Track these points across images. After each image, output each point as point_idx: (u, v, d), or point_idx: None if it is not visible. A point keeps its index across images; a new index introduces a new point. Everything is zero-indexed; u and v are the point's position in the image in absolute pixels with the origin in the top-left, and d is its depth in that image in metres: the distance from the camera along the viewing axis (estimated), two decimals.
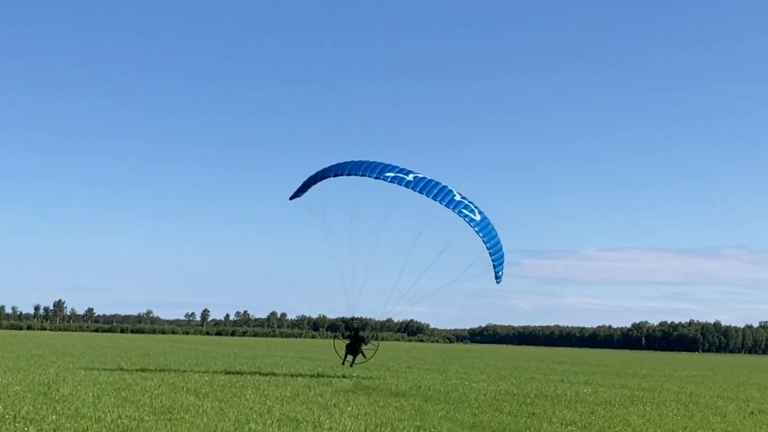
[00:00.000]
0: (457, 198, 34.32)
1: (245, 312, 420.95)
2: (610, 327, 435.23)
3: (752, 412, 34.52)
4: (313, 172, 36.83)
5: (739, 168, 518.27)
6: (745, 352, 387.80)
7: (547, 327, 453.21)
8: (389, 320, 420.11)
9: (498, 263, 35.87)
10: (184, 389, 33.66)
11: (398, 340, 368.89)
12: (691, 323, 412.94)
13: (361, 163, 35.17)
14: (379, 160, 35.40)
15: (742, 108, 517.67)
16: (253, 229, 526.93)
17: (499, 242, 35.88)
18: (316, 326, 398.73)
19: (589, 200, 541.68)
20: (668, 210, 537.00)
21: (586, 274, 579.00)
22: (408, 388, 40.34)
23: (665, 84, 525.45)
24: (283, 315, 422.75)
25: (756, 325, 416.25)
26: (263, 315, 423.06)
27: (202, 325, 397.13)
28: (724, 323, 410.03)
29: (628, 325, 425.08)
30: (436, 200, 33.71)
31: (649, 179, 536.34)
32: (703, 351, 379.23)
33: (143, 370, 46.08)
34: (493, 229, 35.38)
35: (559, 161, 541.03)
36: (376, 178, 34.27)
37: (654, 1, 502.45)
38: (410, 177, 34.38)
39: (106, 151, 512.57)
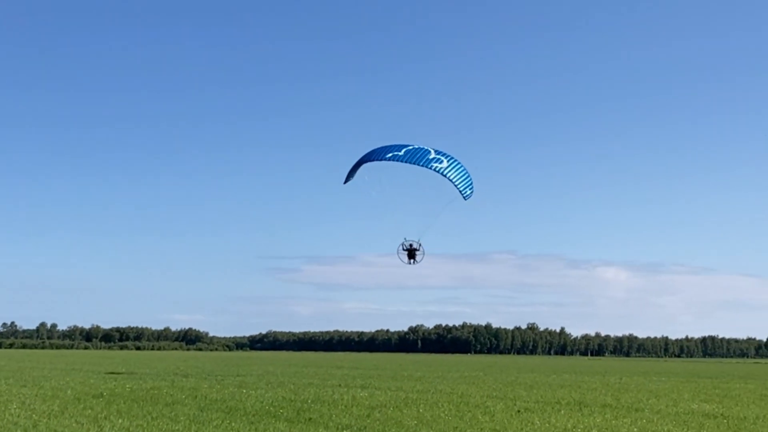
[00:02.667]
0: (432, 156, 40.48)
1: (12, 323, 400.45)
2: (387, 331, 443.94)
3: (519, 411, 35.94)
4: None
5: (506, 176, 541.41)
6: (514, 353, 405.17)
7: (327, 332, 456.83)
8: (167, 329, 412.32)
9: (465, 184, 41.25)
10: None
11: (176, 349, 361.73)
12: (464, 326, 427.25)
13: (380, 149, 41.54)
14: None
15: (502, 119, 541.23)
16: (21, 235, 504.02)
17: (465, 172, 41.47)
18: (89, 337, 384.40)
19: (365, 206, 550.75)
20: (440, 216, 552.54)
21: (364, 280, 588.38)
22: (184, 397, 39.58)
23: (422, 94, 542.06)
24: (54, 326, 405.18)
25: (524, 326, 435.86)
26: (32, 326, 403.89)
27: None
28: (494, 325, 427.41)
29: (405, 329, 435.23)
30: (418, 164, 40.41)
31: None
32: (476, 352, 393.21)
33: None
34: (457, 164, 41.34)
35: (335, 168, 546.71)
36: (380, 160, 40.88)
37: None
38: (402, 152, 40.52)
39: None
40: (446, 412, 34.09)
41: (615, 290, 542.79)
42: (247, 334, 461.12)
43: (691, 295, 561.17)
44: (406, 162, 40.26)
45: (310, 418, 30.61)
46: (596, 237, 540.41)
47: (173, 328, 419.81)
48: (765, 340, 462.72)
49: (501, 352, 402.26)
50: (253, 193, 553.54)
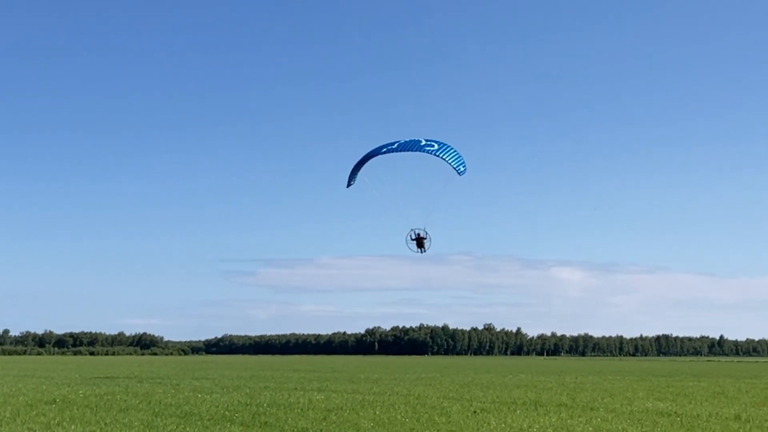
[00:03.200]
0: (423, 143, 42.12)
1: None
2: (344, 333, 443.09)
3: (475, 411, 36.01)
4: None
5: (463, 178, 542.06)
6: (471, 354, 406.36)
7: (284, 335, 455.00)
8: (121, 334, 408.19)
9: (458, 160, 42.65)
10: None
11: (130, 354, 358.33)
12: (421, 327, 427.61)
13: (376, 149, 43.07)
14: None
15: (457, 121, 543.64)
16: None
17: (450, 150, 42.76)
18: (42, 342, 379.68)
19: (324, 208, 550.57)
20: (398, 218, 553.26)
21: (321, 282, 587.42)
22: (138, 402, 39.20)
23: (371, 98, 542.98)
24: (6, 331, 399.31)
25: (481, 327, 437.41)
26: None
27: None
28: (451, 326, 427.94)
29: (362, 331, 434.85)
30: (412, 151, 42.10)
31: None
32: (433, 354, 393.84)
33: None
34: (444, 146, 42.68)
35: (290, 170, 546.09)
36: (377, 155, 42.46)
37: None
38: (395, 145, 42.14)
39: None
40: (402, 414, 34.06)
41: (571, 290, 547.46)
42: (203, 338, 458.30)
43: (646, 294, 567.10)
44: (401, 151, 41.90)
45: (266, 422, 30.42)
46: (552, 237, 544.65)
47: (127, 333, 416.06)
48: (718, 338, 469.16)
49: (458, 353, 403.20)
50: (209, 195, 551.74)
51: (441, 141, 42.94)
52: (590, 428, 29.64)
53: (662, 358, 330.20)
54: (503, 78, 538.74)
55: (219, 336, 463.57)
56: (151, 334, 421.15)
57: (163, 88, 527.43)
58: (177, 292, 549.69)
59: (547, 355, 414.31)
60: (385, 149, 42.51)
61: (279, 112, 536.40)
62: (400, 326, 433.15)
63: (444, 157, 42.11)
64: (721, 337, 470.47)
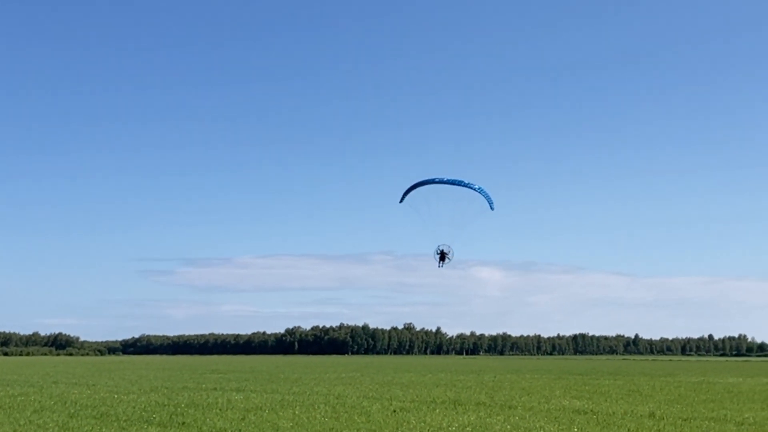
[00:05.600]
0: (466, 181, 52.96)
1: None
2: (264, 333, 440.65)
3: (395, 410, 36.11)
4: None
5: (383, 177, 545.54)
6: (391, 353, 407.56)
7: (203, 335, 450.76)
8: (35, 334, 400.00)
9: (490, 200, 53.42)
10: None
11: (45, 354, 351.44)
12: (341, 327, 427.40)
13: (429, 179, 53.19)
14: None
15: (376, 123, 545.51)
16: None
17: (486, 192, 53.60)
18: None
19: (244, 207, 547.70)
20: (320, 217, 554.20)
21: (241, 282, 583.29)
22: (53, 403, 38.48)
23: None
24: None
25: (401, 326, 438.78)
26: None
27: None
28: (371, 326, 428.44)
29: (282, 331, 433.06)
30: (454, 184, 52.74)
31: (303, 187, 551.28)
32: (353, 353, 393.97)
33: None
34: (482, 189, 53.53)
35: (209, 167, 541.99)
36: (435, 183, 52.54)
37: None
38: (445, 179, 52.33)
39: None
40: (322, 414, 34.01)
41: (490, 289, 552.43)
42: (120, 339, 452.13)
43: (563, 293, 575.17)
44: (448, 184, 52.32)
45: (183, 423, 30.10)
46: (472, 236, 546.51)
47: (42, 333, 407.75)
48: (633, 337, 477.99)
49: (378, 353, 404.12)
50: (126, 192, 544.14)
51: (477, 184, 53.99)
52: (508, 426, 29.93)
53: (579, 357, 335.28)
54: (426, 77, 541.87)
55: (136, 336, 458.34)
56: (67, 334, 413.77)
57: (75, 81, 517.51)
58: (93, 292, 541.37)
59: (467, 354, 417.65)
60: (438, 180, 52.76)
61: (197, 109, 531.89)
62: (320, 326, 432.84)
63: (483, 194, 53.01)
64: (636, 336, 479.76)
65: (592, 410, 36.87)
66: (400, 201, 55.44)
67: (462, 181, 53.36)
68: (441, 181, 52.51)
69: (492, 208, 54.33)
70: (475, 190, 52.98)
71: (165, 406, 37.83)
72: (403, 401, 42.35)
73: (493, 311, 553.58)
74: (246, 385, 59.68)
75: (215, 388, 54.08)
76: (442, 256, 53.07)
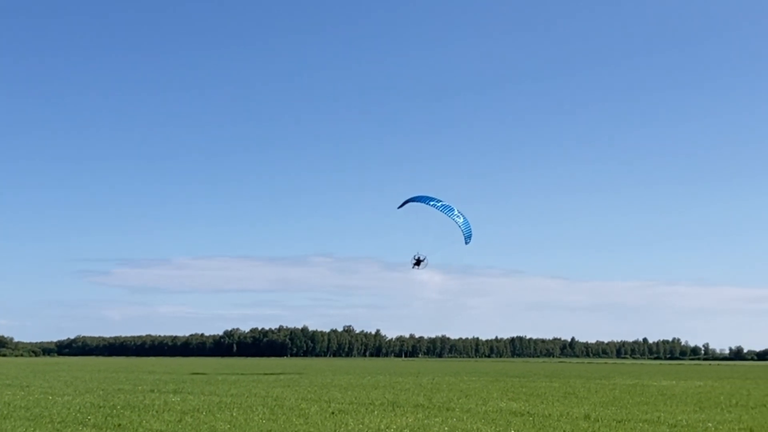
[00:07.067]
0: (455, 212, 62.05)
1: None
2: (202, 335, 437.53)
3: (333, 412, 36.10)
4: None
5: (324, 179, 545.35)
6: (330, 355, 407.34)
7: (140, 337, 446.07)
8: None
9: (468, 234, 62.12)
10: None
11: None
12: (280, 329, 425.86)
13: (423, 197, 62.38)
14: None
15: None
16: None
17: (469, 227, 62.65)
18: None
19: (181, 208, 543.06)
20: (258, 219, 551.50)
21: (178, 283, 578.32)
22: None
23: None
24: None
25: (340, 329, 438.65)
26: None
27: None
28: (311, 328, 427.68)
29: (221, 333, 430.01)
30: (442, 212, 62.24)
31: (242, 188, 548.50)
32: (292, 355, 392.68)
33: None
34: (467, 222, 62.88)
35: (147, 167, 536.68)
36: (425, 204, 61.75)
37: None
38: (439, 204, 61.51)
39: None
40: (260, 416, 33.88)
41: (429, 292, 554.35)
42: (55, 339, 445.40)
43: (501, 297, 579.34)
44: (440, 210, 60.21)
45: (119, 425, 29.81)
46: (412, 240, 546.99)
47: None
48: (570, 340, 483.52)
49: (317, 355, 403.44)
50: (61, 192, 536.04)
51: (464, 215, 62.23)
52: (446, 428, 30.09)
53: (516, 360, 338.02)
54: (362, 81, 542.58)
55: (72, 337, 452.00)
56: (1, 334, 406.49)
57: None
58: (28, 292, 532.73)
59: (406, 356, 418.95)
60: (432, 202, 60.44)
61: (129, 110, 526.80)
62: (259, 328, 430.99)
63: (463, 229, 60.71)
64: (573, 339, 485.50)
65: (528, 412, 37.20)
66: (399, 207, 63.43)
67: (452, 210, 60.48)
68: (434, 206, 60.08)
69: (466, 243, 61.61)
70: (459, 225, 60.26)
71: (100, 407, 37.41)
72: (342, 403, 42.34)
73: (432, 314, 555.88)
74: (183, 387, 59.19)
75: (152, 390, 53.58)
76: (418, 261, 60.74)
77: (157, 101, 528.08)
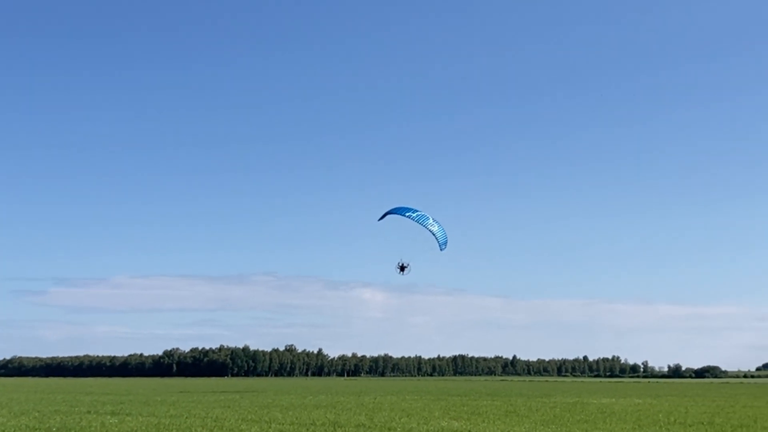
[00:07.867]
0: (430, 221, 63.65)
1: None
2: (141, 355, 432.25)
3: None
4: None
5: (267, 198, 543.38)
6: (272, 375, 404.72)
7: (77, 357, 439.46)
8: None
9: (443, 242, 64.06)
10: None
11: None
12: (221, 348, 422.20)
13: (401, 208, 63.87)
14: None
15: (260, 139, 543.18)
16: None
17: (444, 234, 64.42)
18: None
19: (119, 225, 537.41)
20: (198, 237, 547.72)
21: (116, 303, 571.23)
22: None
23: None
24: None
25: (282, 348, 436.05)
26: None
27: None
28: (252, 347, 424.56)
29: (160, 353, 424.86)
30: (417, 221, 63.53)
31: (180, 205, 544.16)
32: (233, 375, 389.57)
33: None
34: (442, 230, 64.64)
35: (83, 182, 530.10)
36: (402, 215, 63.26)
37: None
38: (414, 214, 63.03)
39: None
40: None
41: (372, 311, 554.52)
42: None
43: (443, 315, 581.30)
44: (415, 221, 62.46)
45: None
46: (354, 258, 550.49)
47: None
48: (511, 358, 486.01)
49: (259, 375, 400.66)
50: None
51: (439, 223, 64.30)
52: None
53: (458, 378, 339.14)
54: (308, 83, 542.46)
55: (7, 357, 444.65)
56: None
57: None
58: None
59: (348, 375, 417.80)
60: (408, 213, 62.83)
61: (64, 129, 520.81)
62: (200, 348, 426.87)
63: (437, 237, 63.09)
64: (514, 357, 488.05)
65: (470, 431, 37.21)
66: (378, 219, 65.18)
67: (427, 219, 63.09)
68: (410, 217, 62.62)
69: (441, 250, 64.06)
70: (434, 233, 62.85)
71: (36, 430, 36.71)
72: (283, 424, 42.02)
73: (374, 333, 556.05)
74: (121, 408, 58.30)
75: (89, 412, 52.71)
76: (402, 268, 63.30)
77: (93, 118, 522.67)
